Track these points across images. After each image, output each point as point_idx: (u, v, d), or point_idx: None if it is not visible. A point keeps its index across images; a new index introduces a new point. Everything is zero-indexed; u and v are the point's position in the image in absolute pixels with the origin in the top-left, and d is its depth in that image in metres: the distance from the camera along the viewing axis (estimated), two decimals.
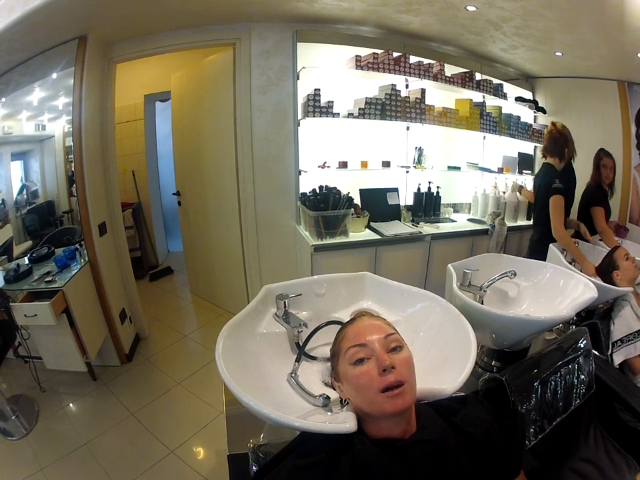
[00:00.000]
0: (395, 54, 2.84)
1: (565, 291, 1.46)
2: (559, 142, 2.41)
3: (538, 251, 2.30)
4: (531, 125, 3.65)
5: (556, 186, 2.32)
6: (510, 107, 3.57)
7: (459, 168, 3.41)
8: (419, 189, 3.26)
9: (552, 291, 1.51)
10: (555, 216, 2.31)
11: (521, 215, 3.35)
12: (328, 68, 2.84)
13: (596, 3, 2.10)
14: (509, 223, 3.24)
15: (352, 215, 2.76)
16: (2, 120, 2.51)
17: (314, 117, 2.71)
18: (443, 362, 0.99)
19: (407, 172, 3.22)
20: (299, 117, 2.84)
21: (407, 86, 3.06)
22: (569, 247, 2.22)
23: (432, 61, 3.04)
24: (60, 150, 2.55)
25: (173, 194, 3.83)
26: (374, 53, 2.79)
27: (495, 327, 1.29)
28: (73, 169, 2.45)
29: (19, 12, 1.91)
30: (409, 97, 3.00)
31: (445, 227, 3.08)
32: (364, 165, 2.99)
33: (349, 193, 2.78)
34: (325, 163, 2.92)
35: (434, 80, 3.00)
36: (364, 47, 2.84)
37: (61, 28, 2.22)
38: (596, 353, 1.38)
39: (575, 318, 1.63)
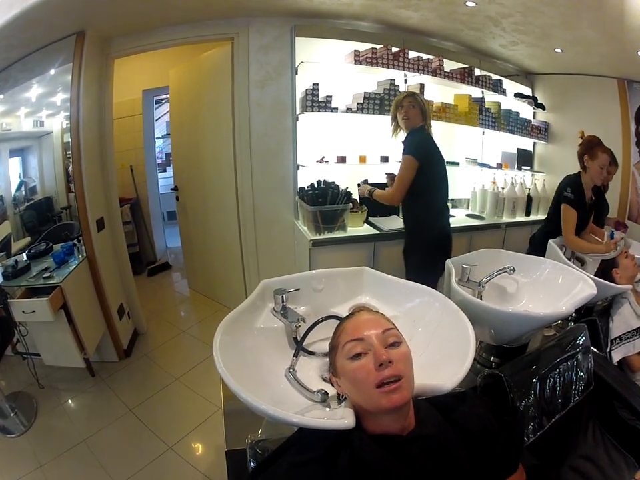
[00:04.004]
0: (394, 49, 2.83)
1: (564, 287, 1.46)
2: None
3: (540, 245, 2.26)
4: (530, 121, 3.65)
5: (565, 194, 2.21)
6: (509, 102, 3.57)
7: (457, 163, 3.40)
8: None
9: (551, 287, 1.51)
10: (564, 227, 2.20)
11: (519, 211, 3.35)
12: (326, 63, 2.83)
13: (596, 0, 2.09)
14: (508, 219, 3.25)
15: (350, 209, 2.75)
16: (0, 116, 2.50)
17: (312, 111, 2.71)
18: (441, 358, 0.99)
19: None
20: (298, 111, 2.83)
21: (405, 81, 3.04)
22: (582, 249, 2.13)
23: (431, 57, 3.03)
24: (58, 146, 2.54)
25: (171, 189, 3.82)
26: (373, 48, 2.77)
27: (493, 322, 1.29)
28: (71, 165, 2.44)
29: (17, 8, 1.90)
30: None
31: None
32: (362, 159, 2.98)
33: (347, 187, 2.77)
34: (324, 157, 2.91)
35: (433, 75, 2.99)
36: (363, 41, 2.83)
37: (59, 24, 2.21)
38: (595, 350, 1.38)
39: (573, 314, 1.63)
